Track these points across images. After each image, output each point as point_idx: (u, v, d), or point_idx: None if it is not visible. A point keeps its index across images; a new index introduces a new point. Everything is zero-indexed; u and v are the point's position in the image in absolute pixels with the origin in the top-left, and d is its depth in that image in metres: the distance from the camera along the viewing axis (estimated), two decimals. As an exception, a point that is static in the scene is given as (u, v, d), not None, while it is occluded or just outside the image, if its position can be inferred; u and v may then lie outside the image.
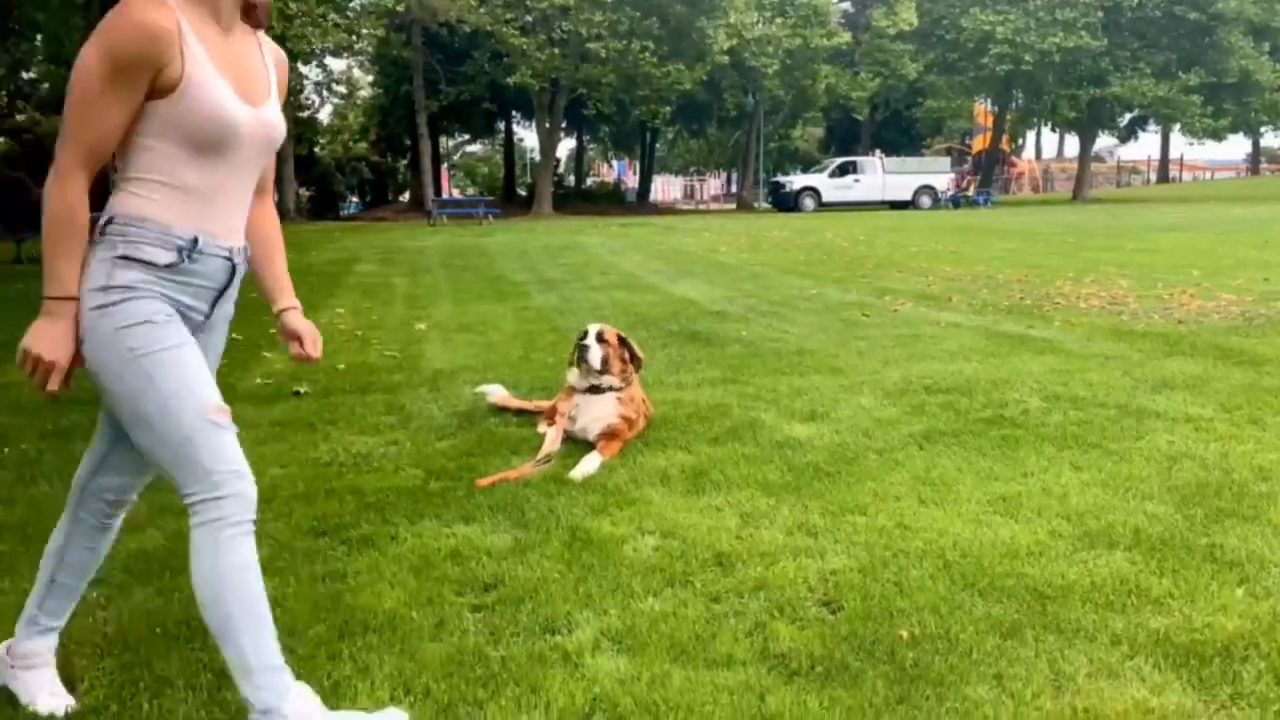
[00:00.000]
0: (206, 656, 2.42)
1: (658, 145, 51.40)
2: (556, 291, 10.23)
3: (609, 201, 40.74)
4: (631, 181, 52.81)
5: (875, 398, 4.96)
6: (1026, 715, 2.06)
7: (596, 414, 4.19)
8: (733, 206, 42.36)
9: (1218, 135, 40.15)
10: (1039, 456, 3.85)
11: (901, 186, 34.25)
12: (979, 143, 48.38)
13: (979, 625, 2.45)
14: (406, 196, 39.01)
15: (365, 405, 5.10)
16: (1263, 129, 48.53)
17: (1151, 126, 50.44)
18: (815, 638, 2.42)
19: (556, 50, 29.76)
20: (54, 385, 1.88)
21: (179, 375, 1.92)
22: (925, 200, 34.04)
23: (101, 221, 1.91)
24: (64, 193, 1.82)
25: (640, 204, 43.05)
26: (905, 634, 2.41)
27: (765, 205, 37.65)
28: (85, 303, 1.89)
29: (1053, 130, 56.64)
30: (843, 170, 34.91)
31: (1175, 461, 3.74)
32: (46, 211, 1.84)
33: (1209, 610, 2.49)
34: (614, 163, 62.42)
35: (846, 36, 35.68)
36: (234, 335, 7.73)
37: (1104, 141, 55.34)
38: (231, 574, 1.95)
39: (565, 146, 48.83)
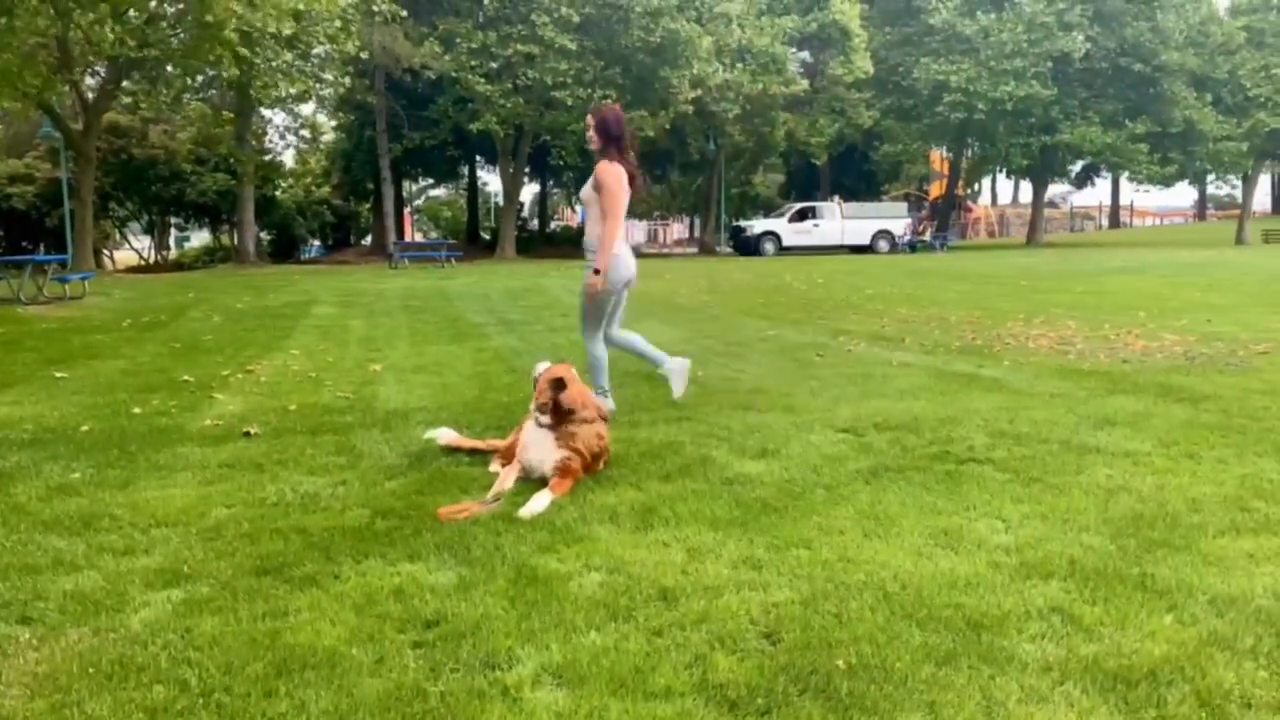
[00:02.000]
0: (140, 695, 2.39)
1: (621, 190, 51.82)
2: (515, 333, 10.25)
3: (572, 245, 40.93)
4: (596, 226, 53.08)
5: (825, 435, 5.02)
6: (957, 741, 2.09)
7: (547, 450, 4.20)
8: (695, 250, 42.77)
9: (1165, 182, 41.43)
10: (981, 490, 3.92)
11: (860, 231, 34.83)
12: (936, 189, 49.47)
13: (915, 654, 2.49)
14: (369, 240, 38.90)
15: (315, 446, 5.06)
16: (1208, 177, 50.22)
17: (1103, 173, 51.98)
18: (754, 668, 2.44)
19: (521, 98, 30.07)
20: None
21: None
22: (883, 244, 34.63)
23: None
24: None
25: (604, 248, 43.28)
26: (842, 664, 2.44)
27: (727, 249, 38.07)
28: None
29: (1008, 177, 58.07)
30: (802, 215, 35.44)
31: (1113, 495, 3.83)
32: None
33: (1138, 637, 2.55)
34: (578, 208, 62.83)
35: (804, 84, 36.45)
36: (185, 377, 7.64)
37: (1058, 188, 56.89)
38: None
39: (529, 190, 49.19)
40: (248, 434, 5.33)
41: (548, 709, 2.29)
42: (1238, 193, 51.62)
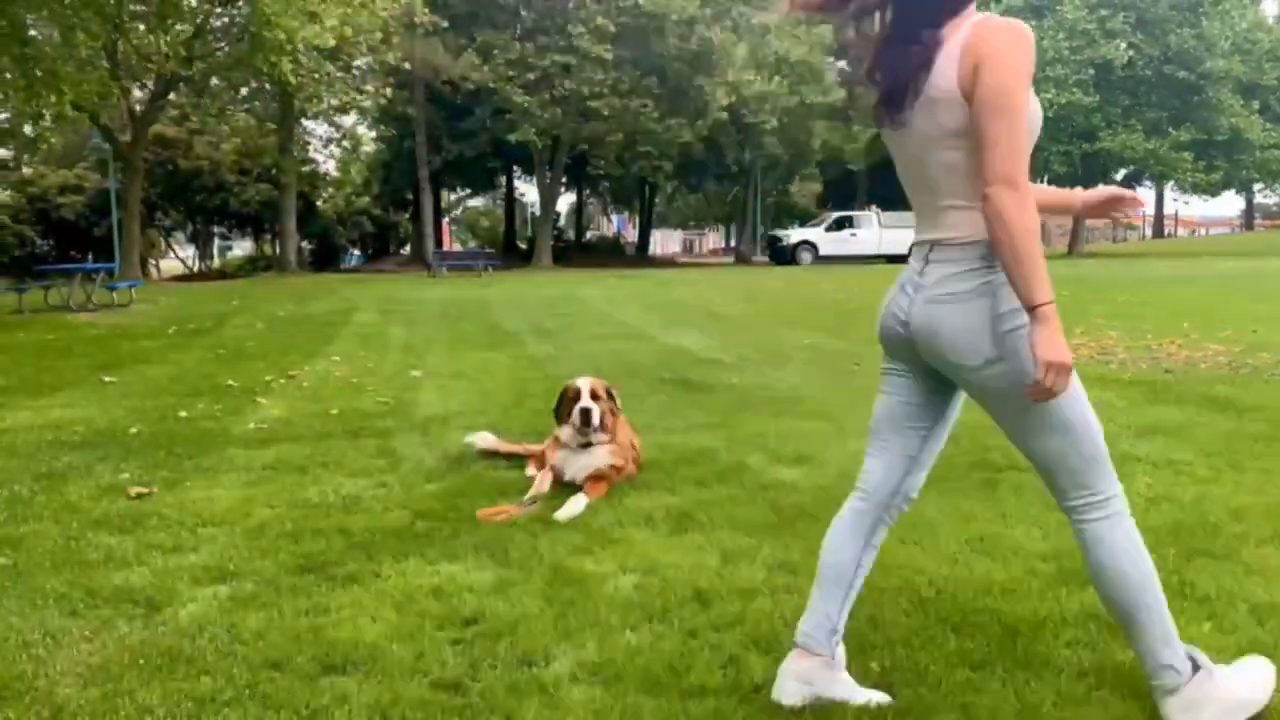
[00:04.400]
0: (188, 686, 2.46)
1: (657, 200, 52.05)
2: (552, 341, 10.33)
3: (608, 255, 41.13)
4: (631, 235, 53.36)
5: (862, 443, 5.00)
6: (991, 744, 2.10)
7: (585, 464, 4.24)
8: (731, 260, 42.76)
9: (1210, 191, 40.69)
10: (1019, 498, 3.90)
11: (898, 241, 34.50)
12: (974, 198, 48.96)
13: (949, 658, 2.49)
14: (408, 249, 39.37)
15: (357, 449, 5.16)
16: (1256, 186, 49.27)
17: (1146, 182, 51.18)
18: (788, 670, 2.45)
19: (558, 108, 30.31)
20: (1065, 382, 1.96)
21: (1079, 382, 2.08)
22: (921, 254, 34.36)
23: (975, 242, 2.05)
24: (1028, 207, 1.93)
25: (639, 257, 43.44)
26: (876, 666, 2.45)
27: (763, 259, 38.00)
28: (1003, 324, 2.03)
29: (1049, 185, 57.36)
30: (839, 224, 35.28)
31: (1153, 504, 3.79)
32: (1019, 226, 1.91)
33: (1176, 644, 2.52)
34: (613, 217, 63.11)
35: (842, 93, 36.36)
36: (229, 382, 7.82)
37: (1099, 197, 56.02)
38: (1134, 549, 2.16)
39: (565, 200, 49.52)
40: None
41: (584, 705, 2.32)
42: (1286, 202, 50.58)
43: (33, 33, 18.80)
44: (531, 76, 29.83)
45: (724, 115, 31.78)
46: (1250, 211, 63.80)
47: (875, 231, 34.74)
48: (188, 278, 32.73)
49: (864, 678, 2.39)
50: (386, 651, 2.64)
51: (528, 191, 49.67)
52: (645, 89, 30.71)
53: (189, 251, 38.71)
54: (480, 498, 4.13)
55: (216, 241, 41.81)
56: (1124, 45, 35.29)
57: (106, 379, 7.81)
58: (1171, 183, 42.39)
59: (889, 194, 44.58)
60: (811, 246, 34.35)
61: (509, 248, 40.83)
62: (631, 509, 3.92)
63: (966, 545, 3.35)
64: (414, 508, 4.01)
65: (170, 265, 37.93)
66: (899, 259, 33.88)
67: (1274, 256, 32.45)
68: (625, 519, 3.79)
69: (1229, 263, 26.88)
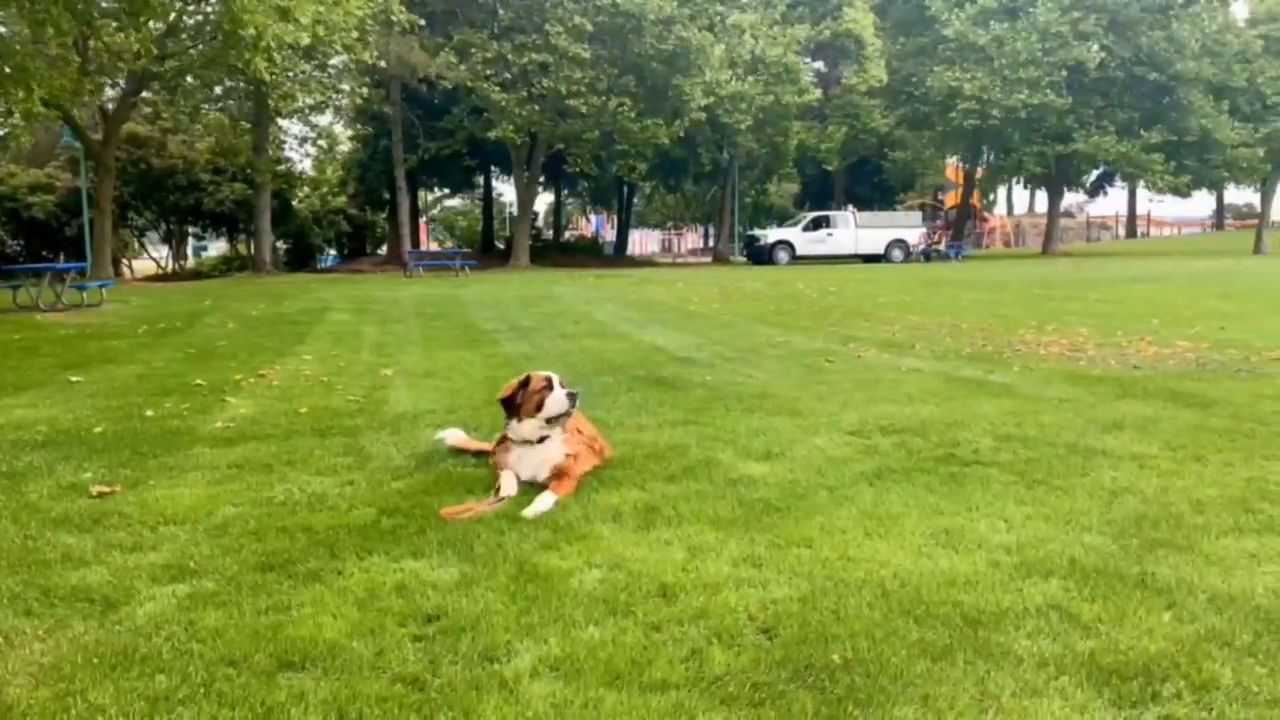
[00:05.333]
0: (142, 684, 2.42)
1: (635, 200, 52.01)
2: (527, 339, 10.29)
3: (586, 254, 41.03)
4: (609, 235, 53.28)
5: (831, 438, 5.02)
6: (949, 733, 2.10)
7: (542, 458, 4.22)
8: (709, 259, 42.80)
9: (1180, 191, 41.09)
10: (985, 492, 3.91)
11: (874, 240, 34.77)
12: (951, 198, 49.33)
13: (911, 650, 2.49)
14: (384, 249, 39.13)
15: (324, 447, 5.11)
16: (1225, 185, 49.84)
17: (1117, 183, 51.69)
18: (750, 662, 2.45)
19: (535, 106, 30.21)
20: None
21: None
22: (897, 253, 34.54)
23: None
24: None
25: (617, 256, 43.39)
26: (838, 658, 2.45)
27: (741, 258, 38.06)
28: None
29: (1024, 187, 57.87)
30: (816, 224, 35.41)
31: (1117, 496, 3.82)
32: None
33: (1135, 633, 2.55)
34: (592, 217, 63.00)
35: (818, 94, 36.49)
36: (198, 381, 7.69)
37: (1074, 198, 56.58)
38: None
39: (544, 200, 49.35)
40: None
41: (544, 700, 2.31)
42: (1258, 201, 51.24)
43: (1, 29, 18.53)
44: (509, 75, 29.73)
45: (701, 115, 31.79)
46: (1221, 211, 64.57)
47: (851, 231, 34.91)
48: (161, 278, 32.38)
49: (827, 669, 2.39)
50: (346, 648, 2.61)
51: (505, 191, 49.57)
52: (623, 88, 30.67)
53: (162, 251, 38.29)
54: (447, 495, 4.10)
55: (190, 241, 41.37)
56: (1096, 47, 35.59)
57: (73, 379, 7.69)
58: (1143, 183, 42.83)
59: (864, 194, 44.92)
60: (789, 246, 34.46)
61: (487, 247, 40.69)
62: (600, 504, 3.90)
63: (932, 538, 3.36)
64: (380, 505, 3.98)
65: (143, 265, 37.53)
66: (874, 258, 34.13)
67: (1243, 256, 32.93)
68: (593, 514, 3.77)
69: (1200, 262, 27.23)
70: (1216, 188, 50.12)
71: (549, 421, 4.28)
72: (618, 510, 3.82)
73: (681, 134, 32.03)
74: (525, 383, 4.38)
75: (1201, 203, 64.09)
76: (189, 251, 40.91)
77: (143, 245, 38.10)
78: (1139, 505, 3.69)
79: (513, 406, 4.35)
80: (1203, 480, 4.05)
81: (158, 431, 5.60)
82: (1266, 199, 43.73)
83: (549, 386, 4.33)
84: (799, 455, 4.66)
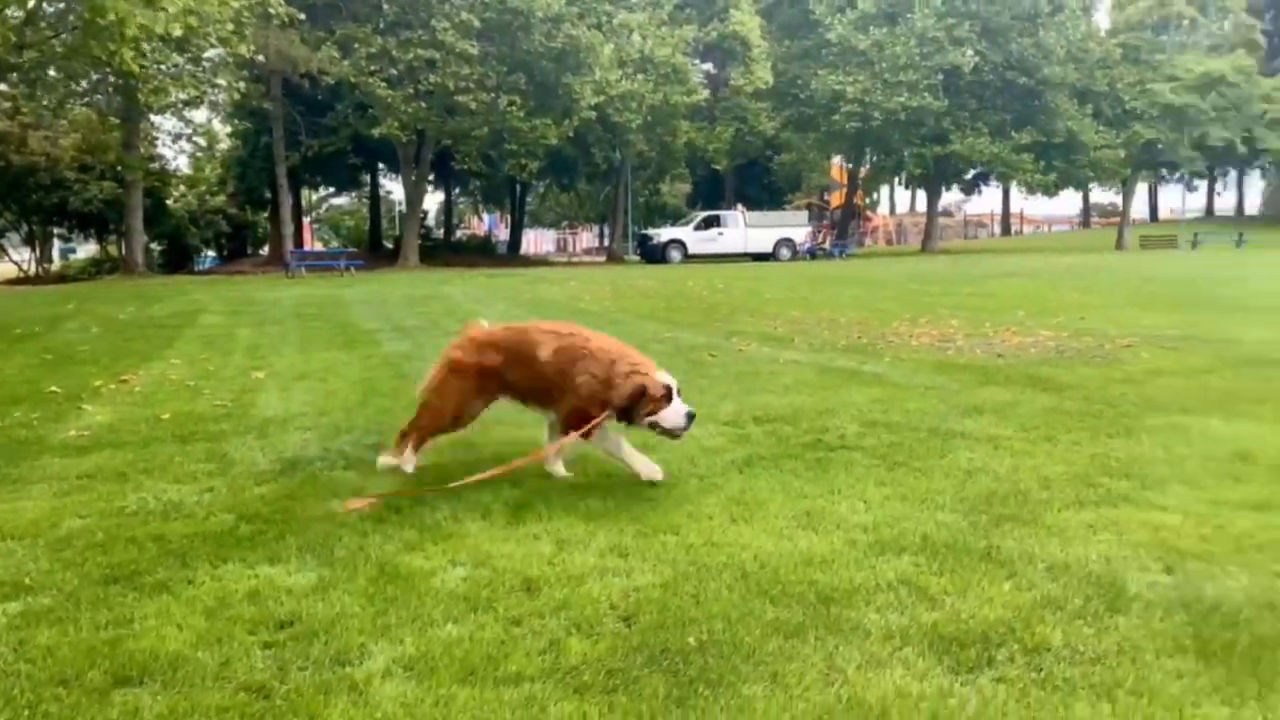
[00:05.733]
0: None
1: (529, 199, 51.67)
2: (409, 339, 10.08)
3: (479, 254, 40.54)
4: (503, 234, 52.79)
5: (707, 429, 5.08)
6: (795, 707, 2.14)
7: None
8: (604, 259, 42.87)
9: (1049, 190, 43.25)
10: (848, 475, 4.02)
11: (762, 239, 35.41)
12: (836, 198, 50.68)
13: (765, 629, 2.54)
14: (266, 250, 37.80)
15: (185, 454, 4.89)
16: (1091, 185, 52.72)
17: (992, 182, 54.01)
18: (607, 650, 2.46)
19: (423, 103, 29.66)
20: None
21: None
22: (785, 252, 35.27)
23: None
24: None
25: (511, 256, 43.04)
26: (694, 641, 2.47)
27: (635, 257, 38.25)
28: None
29: (905, 187, 59.91)
30: (707, 223, 35.87)
31: (971, 475, 3.98)
32: None
33: (977, 603, 2.65)
34: (485, 215, 62.29)
35: (706, 94, 36.93)
36: (53, 388, 7.28)
37: (953, 197, 58.83)
38: None
39: (435, 199, 48.58)
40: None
41: (394, 700, 2.26)
42: (1120, 200, 54.30)
43: None
44: (394, 71, 29.10)
45: (591, 114, 31.80)
46: (1087, 210, 68.23)
47: (741, 231, 35.48)
48: (22, 281, 30.52)
49: (682, 652, 2.41)
50: (190, 659, 2.50)
51: (394, 189, 48.52)
52: (512, 85, 30.41)
53: (24, 254, 36.06)
54: (311, 499, 3.98)
55: (56, 243, 39.12)
56: (970, 52, 37.12)
57: (-90, 389, 7.17)
58: (1015, 183, 44.89)
59: (754, 194, 45.74)
60: (681, 245, 34.79)
61: (374, 247, 39.76)
62: (470, 501, 3.84)
63: (794, 520, 3.43)
64: (240, 511, 3.83)
65: (3, 269, 35.26)
66: (765, 257, 34.78)
67: (1107, 252, 34.89)
68: (462, 512, 3.71)
69: (1067, 258, 28.69)
70: (1082, 187, 53.01)
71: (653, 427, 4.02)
72: (488, 507, 3.77)
73: (572, 133, 31.99)
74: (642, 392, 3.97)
75: (1069, 201, 67.53)
76: (54, 254, 38.67)
77: (2, 248, 35.82)
78: (991, 483, 3.85)
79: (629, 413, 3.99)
80: (1051, 458, 4.26)
81: (4, 441, 5.27)
82: (1127, 198, 46.44)
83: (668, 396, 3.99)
84: (671, 448, 4.69)
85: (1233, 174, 60.59)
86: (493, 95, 29.79)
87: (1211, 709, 2.08)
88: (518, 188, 44.37)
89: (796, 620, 2.58)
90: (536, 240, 62.09)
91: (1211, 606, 2.60)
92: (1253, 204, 63.81)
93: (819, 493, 3.78)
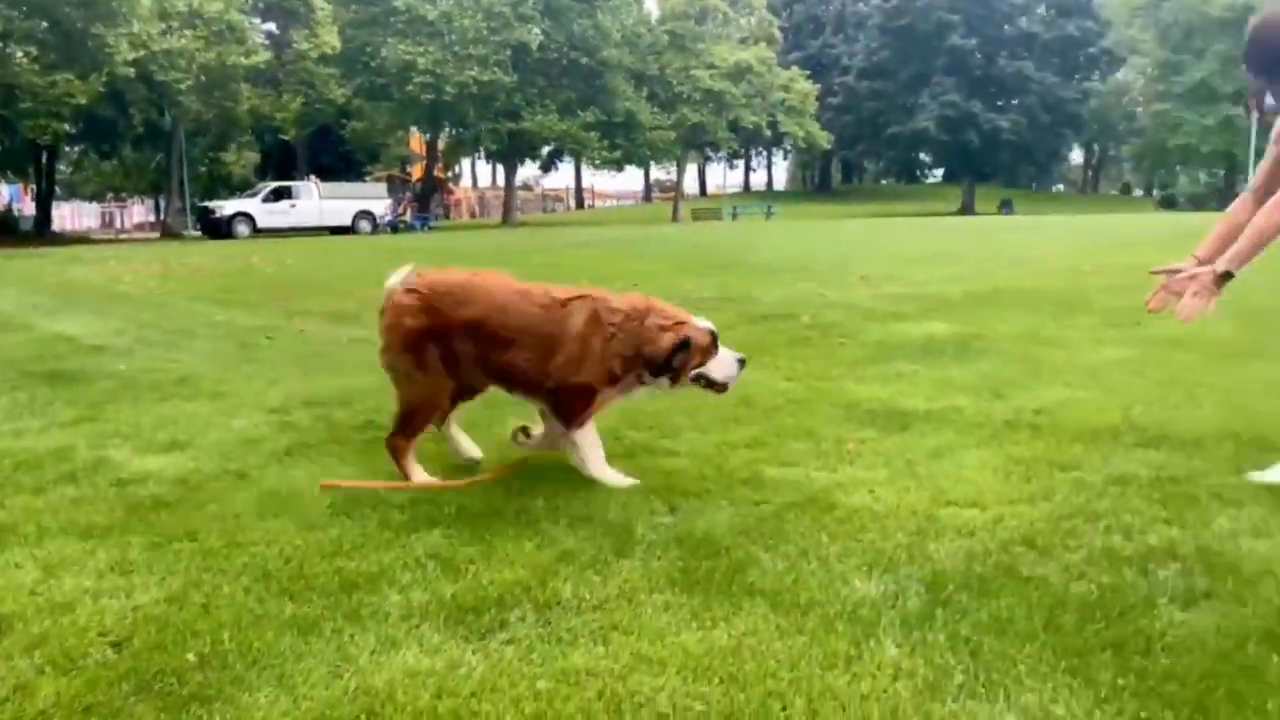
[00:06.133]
0: None
1: (60, 166, 44.52)
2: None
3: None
4: (29, 209, 45.01)
5: (250, 418, 4.73)
6: (299, 708, 2.05)
7: None
8: (157, 235, 38.39)
9: (615, 166, 46.69)
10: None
11: (340, 212, 34.00)
12: (418, 171, 50.18)
13: (280, 629, 2.40)
14: None
15: None
16: (649, 163, 57.65)
17: (567, 158, 56.95)
18: (86, 685, 2.16)
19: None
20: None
21: None
22: (365, 225, 34.21)
23: None
24: None
25: (39, 234, 36.85)
26: (194, 657, 2.26)
27: (195, 232, 34.75)
28: None
29: (486, 161, 60.97)
30: (278, 195, 33.60)
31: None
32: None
33: (500, 568, 2.74)
34: (4, 187, 52.66)
35: (267, 55, 34.41)
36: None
37: (530, 171, 61.08)
38: None
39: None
40: None
41: None
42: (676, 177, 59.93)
43: None
44: None
45: (129, 70, 28.13)
46: (649, 186, 74.63)
47: (315, 203, 33.77)
48: None
49: (179, 671, 2.19)
50: None
51: None
52: (28, 32, 25.94)
53: None
54: None
55: None
56: (536, 30, 38.58)
57: None
58: (585, 159, 47.76)
59: (330, 164, 43.73)
60: (248, 218, 32.25)
61: None
62: (-67, 533, 3.19)
63: (329, 509, 3.29)
64: None
65: None
66: (343, 230, 33.45)
67: (664, 224, 38.46)
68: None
69: (630, 229, 31.15)
70: (643, 165, 57.83)
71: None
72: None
73: (103, 89, 28.08)
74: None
75: (634, 177, 73.33)
76: None
77: None
78: (515, 452, 4.00)
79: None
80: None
81: None
82: (680, 175, 51.56)
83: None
84: (208, 442, 4.30)
85: (764, 154, 69.94)
86: (2, 44, 25.16)
87: (688, 635, 2.33)
88: (44, 154, 38.03)
89: (314, 614, 2.47)
90: (74, 215, 53.84)
91: (701, 539, 2.93)
92: (779, 180, 74.30)
93: (363, 475, 3.67)
